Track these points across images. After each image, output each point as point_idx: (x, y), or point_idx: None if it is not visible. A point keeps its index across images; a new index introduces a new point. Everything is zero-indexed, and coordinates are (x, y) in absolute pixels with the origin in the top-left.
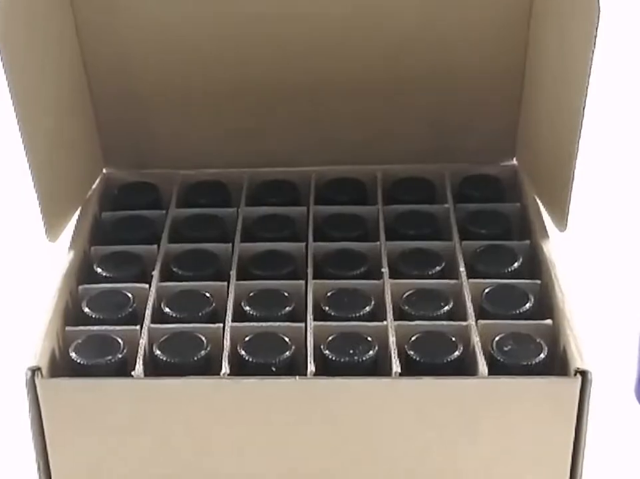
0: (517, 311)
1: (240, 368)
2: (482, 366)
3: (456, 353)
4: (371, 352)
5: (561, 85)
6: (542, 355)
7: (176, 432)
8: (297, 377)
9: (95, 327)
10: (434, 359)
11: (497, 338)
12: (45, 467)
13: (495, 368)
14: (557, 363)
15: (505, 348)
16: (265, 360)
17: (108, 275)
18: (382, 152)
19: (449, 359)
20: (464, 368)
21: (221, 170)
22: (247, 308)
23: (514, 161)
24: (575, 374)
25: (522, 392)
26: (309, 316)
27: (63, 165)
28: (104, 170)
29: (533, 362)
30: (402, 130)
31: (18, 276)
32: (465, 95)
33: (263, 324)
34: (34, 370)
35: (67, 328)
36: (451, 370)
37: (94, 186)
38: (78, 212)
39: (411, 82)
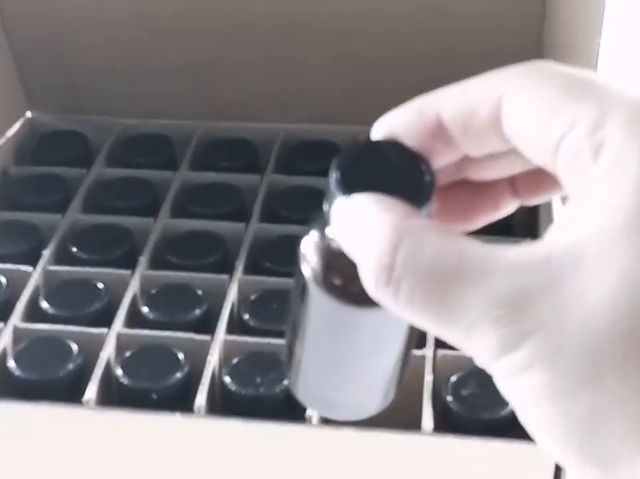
0: None
1: (118, 391)
2: (427, 418)
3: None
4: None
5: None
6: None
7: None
8: (178, 414)
9: None
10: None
11: (454, 379)
12: None
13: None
14: None
15: (464, 392)
16: (144, 384)
17: None
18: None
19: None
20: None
21: (168, 122)
22: (145, 309)
23: None
24: None
25: (482, 456)
26: (222, 325)
27: None
28: (29, 114)
29: (499, 415)
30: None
31: None
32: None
33: (160, 333)
34: None
35: None
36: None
37: (10, 133)
38: None
39: None
